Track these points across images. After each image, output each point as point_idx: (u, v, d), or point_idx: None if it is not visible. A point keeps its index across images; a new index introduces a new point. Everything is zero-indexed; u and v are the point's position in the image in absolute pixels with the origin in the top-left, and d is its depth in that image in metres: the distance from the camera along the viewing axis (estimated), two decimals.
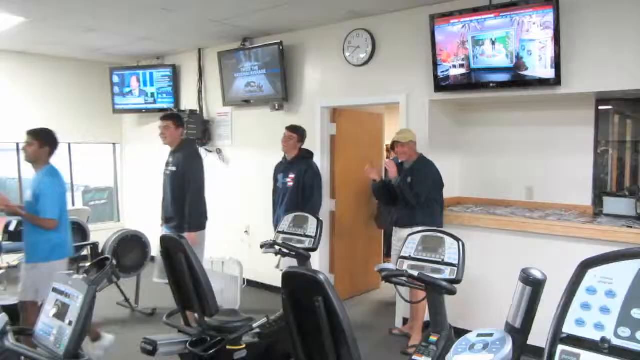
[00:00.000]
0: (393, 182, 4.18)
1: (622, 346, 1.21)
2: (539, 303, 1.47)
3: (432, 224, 3.95)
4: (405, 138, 4.25)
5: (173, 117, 4.45)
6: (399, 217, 4.33)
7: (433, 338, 2.70)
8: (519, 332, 1.45)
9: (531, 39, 3.81)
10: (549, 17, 3.69)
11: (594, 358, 1.24)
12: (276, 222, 4.67)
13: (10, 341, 2.07)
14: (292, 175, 4.64)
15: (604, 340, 1.23)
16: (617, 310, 1.23)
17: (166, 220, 4.48)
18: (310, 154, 4.83)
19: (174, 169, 4.33)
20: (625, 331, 1.21)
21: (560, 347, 1.29)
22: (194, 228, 4.26)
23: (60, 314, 2.12)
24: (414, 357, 2.67)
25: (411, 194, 4.10)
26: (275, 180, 4.86)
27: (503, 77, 4.02)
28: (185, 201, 4.26)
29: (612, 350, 1.22)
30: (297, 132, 4.71)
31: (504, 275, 4.02)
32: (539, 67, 3.84)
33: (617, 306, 1.23)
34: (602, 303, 1.26)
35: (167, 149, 4.50)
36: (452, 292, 2.63)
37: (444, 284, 2.62)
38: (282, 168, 4.80)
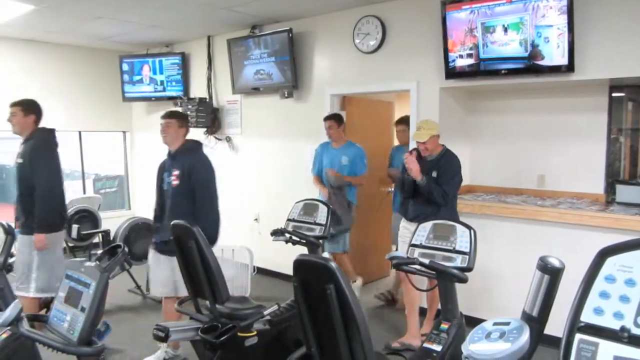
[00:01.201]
0: (419, 182, 3.77)
1: None
2: (557, 291, 1.46)
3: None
4: (423, 136, 3.82)
5: (21, 103, 3.90)
6: (418, 213, 3.92)
7: (444, 326, 2.70)
8: (536, 321, 1.44)
9: (548, 24, 3.73)
10: (564, 1, 3.62)
11: (613, 347, 1.22)
12: (155, 231, 3.92)
13: (24, 327, 2.09)
14: (176, 172, 3.72)
15: (623, 329, 1.21)
16: (637, 299, 1.21)
17: (15, 218, 3.88)
18: (198, 144, 3.90)
19: (20, 160, 3.82)
20: None
21: (578, 336, 1.27)
22: (42, 228, 3.71)
23: (74, 301, 2.14)
24: (425, 344, 2.67)
25: (439, 193, 3.76)
26: (160, 180, 3.95)
27: (515, 66, 3.95)
28: (31, 197, 3.74)
29: (632, 339, 1.20)
30: (174, 117, 3.82)
31: (515, 263, 4.02)
32: (557, 55, 3.73)
33: (638, 295, 1.21)
34: (621, 292, 1.24)
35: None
36: (464, 280, 2.62)
37: (455, 272, 2.60)
38: (166, 165, 3.87)
